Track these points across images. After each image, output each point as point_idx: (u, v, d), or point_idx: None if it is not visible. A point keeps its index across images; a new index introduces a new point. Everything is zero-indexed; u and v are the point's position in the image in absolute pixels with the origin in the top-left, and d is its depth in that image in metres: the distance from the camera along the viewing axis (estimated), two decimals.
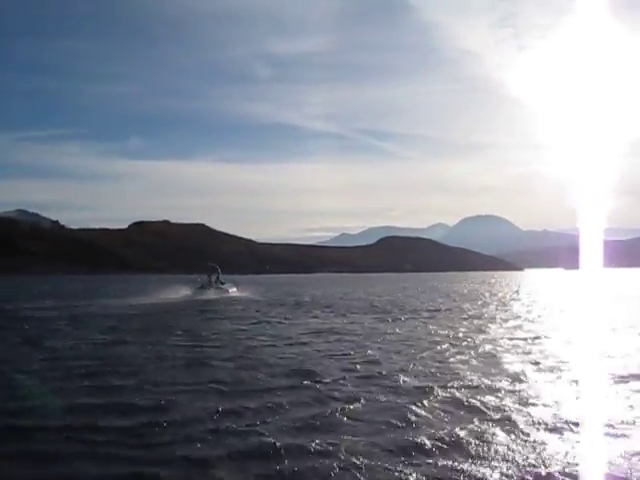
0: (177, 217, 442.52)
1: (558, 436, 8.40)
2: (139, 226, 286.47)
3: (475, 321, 26.64)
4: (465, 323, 25.73)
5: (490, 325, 24.62)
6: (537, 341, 18.83)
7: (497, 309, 35.46)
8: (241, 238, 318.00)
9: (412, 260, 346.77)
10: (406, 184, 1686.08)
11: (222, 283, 51.65)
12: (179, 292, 46.51)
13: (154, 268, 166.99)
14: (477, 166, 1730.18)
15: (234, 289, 52.32)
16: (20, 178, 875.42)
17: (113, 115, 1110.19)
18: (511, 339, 19.38)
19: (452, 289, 70.78)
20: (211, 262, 55.68)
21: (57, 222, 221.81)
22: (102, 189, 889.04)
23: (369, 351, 16.90)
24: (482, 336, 20.31)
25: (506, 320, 27.19)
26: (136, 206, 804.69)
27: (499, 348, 17.29)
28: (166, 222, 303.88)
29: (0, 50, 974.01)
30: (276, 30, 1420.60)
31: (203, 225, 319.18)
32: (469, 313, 31.57)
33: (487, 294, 57.17)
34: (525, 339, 19.29)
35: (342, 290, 69.04)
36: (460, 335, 20.68)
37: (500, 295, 55.59)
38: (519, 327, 23.90)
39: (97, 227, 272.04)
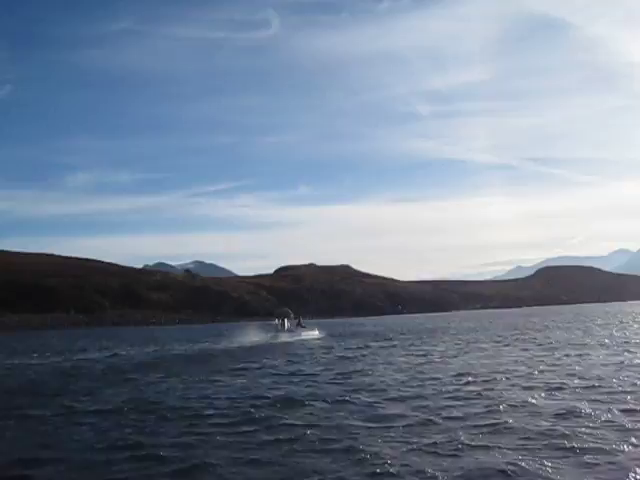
0: (339, 259, 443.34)
1: None
2: (282, 271, 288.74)
3: None
4: None
5: None
6: None
7: None
8: (383, 278, 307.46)
9: (573, 290, 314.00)
10: (585, 211, 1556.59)
11: (302, 326, 55.27)
12: (255, 337, 49.60)
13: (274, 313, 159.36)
14: None
15: (314, 332, 54.76)
16: (197, 232, 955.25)
17: (282, 164, 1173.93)
18: None
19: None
20: (284, 308, 61.52)
21: (189, 271, 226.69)
22: (274, 237, 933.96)
23: None
24: None
25: None
26: (305, 251, 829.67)
27: None
28: (311, 265, 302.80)
29: (180, 111, 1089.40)
30: (434, 65, 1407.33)
31: (348, 266, 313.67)
32: None
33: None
34: None
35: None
36: None
37: None
38: None
39: (262, 273, 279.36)
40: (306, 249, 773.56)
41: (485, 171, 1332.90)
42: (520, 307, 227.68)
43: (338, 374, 21.92)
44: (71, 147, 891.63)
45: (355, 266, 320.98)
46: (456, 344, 37.02)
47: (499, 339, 40.36)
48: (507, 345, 34.09)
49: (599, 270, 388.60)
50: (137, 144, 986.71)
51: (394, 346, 37.93)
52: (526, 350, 29.47)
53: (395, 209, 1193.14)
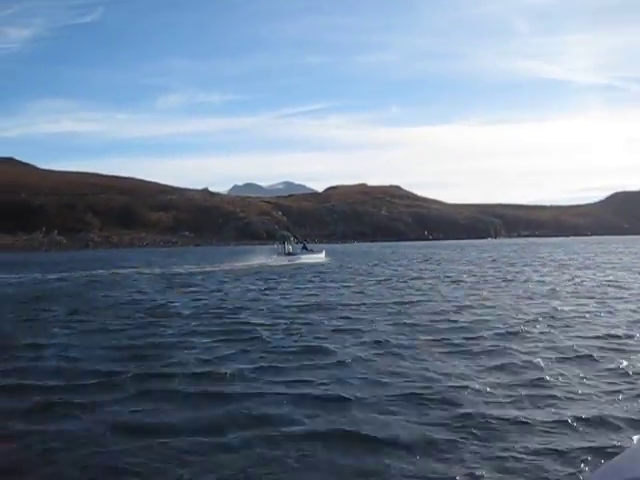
0: (421, 181, 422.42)
1: None
2: (330, 190, 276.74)
3: None
4: None
5: None
6: None
7: None
8: (424, 199, 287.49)
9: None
10: None
11: (307, 249, 54.21)
12: (255, 260, 48.86)
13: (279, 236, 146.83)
14: None
15: (318, 255, 54.13)
16: (288, 152, 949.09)
17: (374, 85, 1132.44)
18: None
19: None
20: (285, 232, 63.72)
21: (206, 189, 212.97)
22: (364, 157, 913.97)
23: None
24: None
25: None
26: (393, 172, 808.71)
27: None
28: (362, 185, 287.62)
29: (271, 31, 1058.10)
30: None
31: (398, 187, 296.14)
32: None
33: None
34: None
35: None
36: None
37: None
38: None
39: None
40: (390, 170, 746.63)
41: (587, 92, 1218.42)
42: (568, 236, 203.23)
43: None
44: (162, 69, 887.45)
45: (408, 188, 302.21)
46: None
47: None
48: None
49: None
50: (228, 65, 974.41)
51: None
52: None
53: (488, 131, 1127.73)
